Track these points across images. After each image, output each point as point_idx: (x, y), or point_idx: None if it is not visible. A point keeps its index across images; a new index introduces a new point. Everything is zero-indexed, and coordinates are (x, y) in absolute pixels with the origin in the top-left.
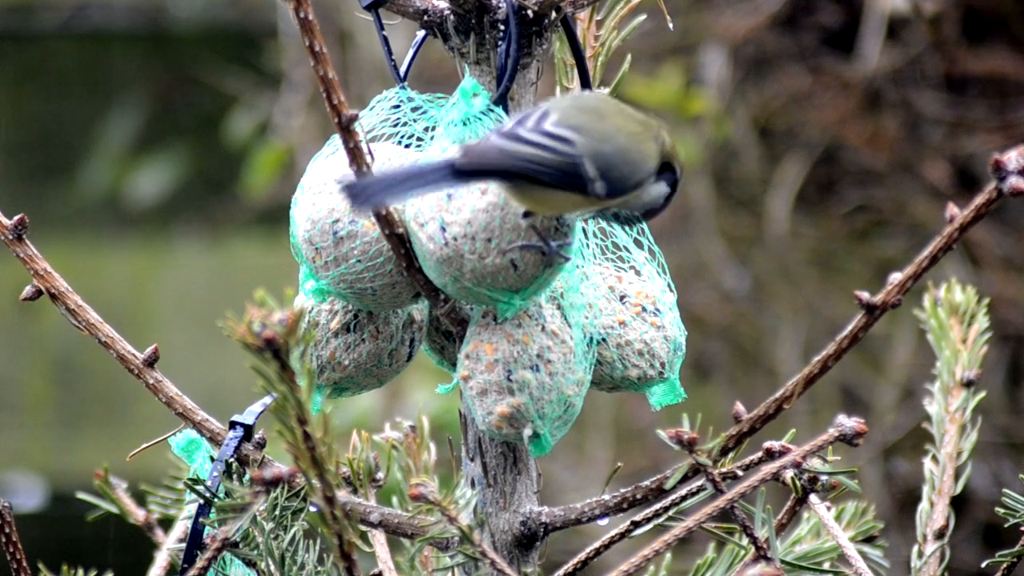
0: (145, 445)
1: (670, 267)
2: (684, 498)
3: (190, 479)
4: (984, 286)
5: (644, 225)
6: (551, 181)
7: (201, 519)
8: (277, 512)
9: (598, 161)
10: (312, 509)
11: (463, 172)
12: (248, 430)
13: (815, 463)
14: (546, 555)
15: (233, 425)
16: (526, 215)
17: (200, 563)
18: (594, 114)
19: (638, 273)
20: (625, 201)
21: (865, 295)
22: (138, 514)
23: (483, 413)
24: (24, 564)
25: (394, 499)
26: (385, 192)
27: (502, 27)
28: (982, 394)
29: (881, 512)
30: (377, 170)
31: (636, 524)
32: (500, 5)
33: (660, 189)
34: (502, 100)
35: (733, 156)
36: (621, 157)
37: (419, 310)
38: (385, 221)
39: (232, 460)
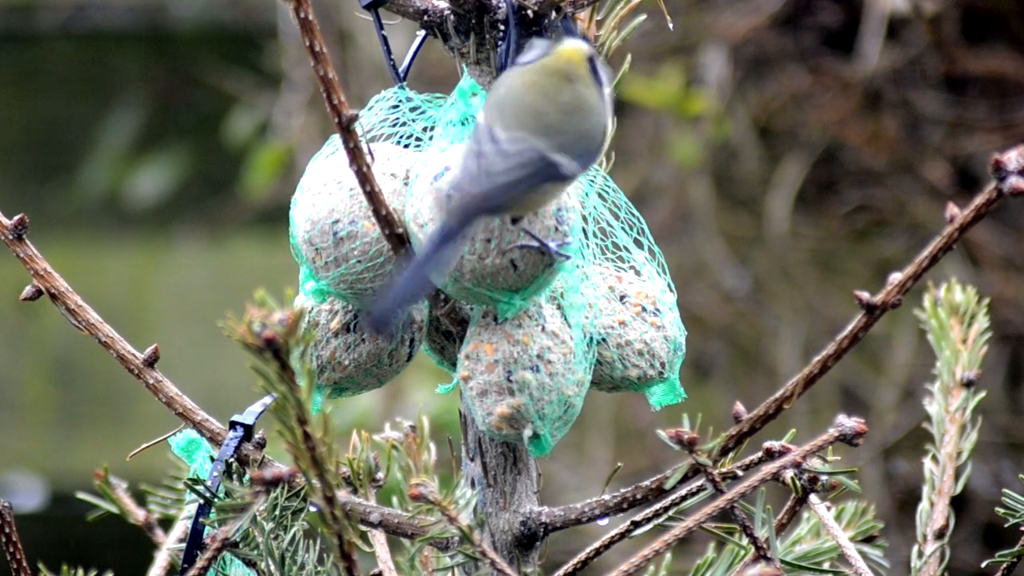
0: (145, 445)
1: (670, 267)
2: (684, 498)
3: (190, 479)
4: (984, 286)
5: (644, 225)
6: (531, 187)
7: (201, 519)
8: (277, 512)
9: (562, 150)
10: (312, 509)
11: (450, 233)
12: (248, 430)
13: (815, 463)
14: (546, 555)
15: (233, 425)
16: (515, 220)
17: (200, 563)
18: (523, 99)
19: (638, 273)
20: (601, 157)
21: (865, 295)
22: (138, 514)
23: (483, 413)
24: (24, 564)
25: (394, 499)
26: (399, 303)
27: (502, 27)
28: (982, 394)
29: (881, 512)
30: (387, 289)
31: (636, 524)
32: (500, 5)
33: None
34: None
35: (733, 156)
36: (576, 132)
37: (419, 310)
38: (385, 221)
39: (232, 460)
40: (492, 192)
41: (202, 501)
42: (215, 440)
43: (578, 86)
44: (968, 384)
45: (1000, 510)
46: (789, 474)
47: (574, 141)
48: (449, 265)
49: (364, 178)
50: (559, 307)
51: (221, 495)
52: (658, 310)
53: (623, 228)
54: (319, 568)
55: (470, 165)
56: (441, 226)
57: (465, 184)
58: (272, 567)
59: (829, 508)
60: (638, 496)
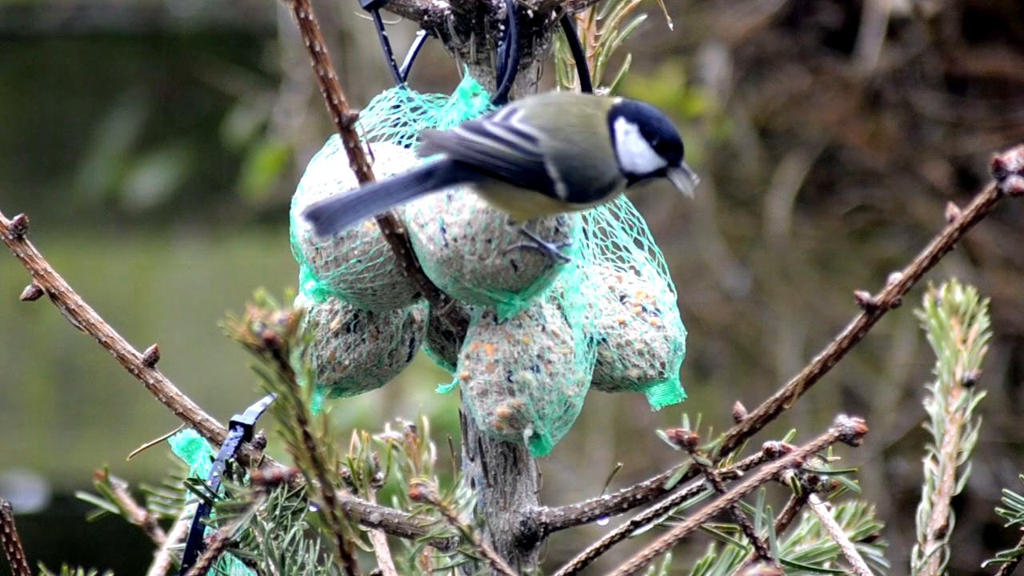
0: (145, 445)
1: (670, 267)
2: (684, 498)
3: (190, 479)
4: (984, 286)
5: (644, 225)
6: (513, 178)
7: (201, 519)
8: (277, 512)
9: (560, 163)
10: (312, 509)
11: (427, 175)
12: (248, 430)
13: (815, 463)
14: (546, 555)
15: (233, 425)
16: (511, 223)
17: (200, 563)
18: (560, 113)
19: (638, 273)
20: (591, 207)
21: (865, 295)
22: (138, 514)
23: (483, 413)
24: (24, 564)
25: (394, 499)
26: (349, 212)
27: (502, 27)
28: (982, 394)
29: (881, 512)
30: (341, 192)
31: (636, 524)
32: (500, 5)
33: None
34: (502, 100)
35: (733, 156)
36: (582, 160)
37: (419, 310)
38: (385, 221)
39: (232, 460)
40: (473, 142)
41: (202, 501)
42: (215, 440)
43: (597, 117)
44: (968, 384)
45: (1000, 510)
46: (789, 474)
47: (573, 168)
48: (396, 206)
49: (364, 178)
50: (559, 307)
51: (221, 495)
52: (658, 310)
53: (623, 228)
54: (319, 568)
55: (475, 120)
56: (415, 172)
57: (458, 127)
58: (272, 567)
59: (829, 508)
60: (638, 496)
